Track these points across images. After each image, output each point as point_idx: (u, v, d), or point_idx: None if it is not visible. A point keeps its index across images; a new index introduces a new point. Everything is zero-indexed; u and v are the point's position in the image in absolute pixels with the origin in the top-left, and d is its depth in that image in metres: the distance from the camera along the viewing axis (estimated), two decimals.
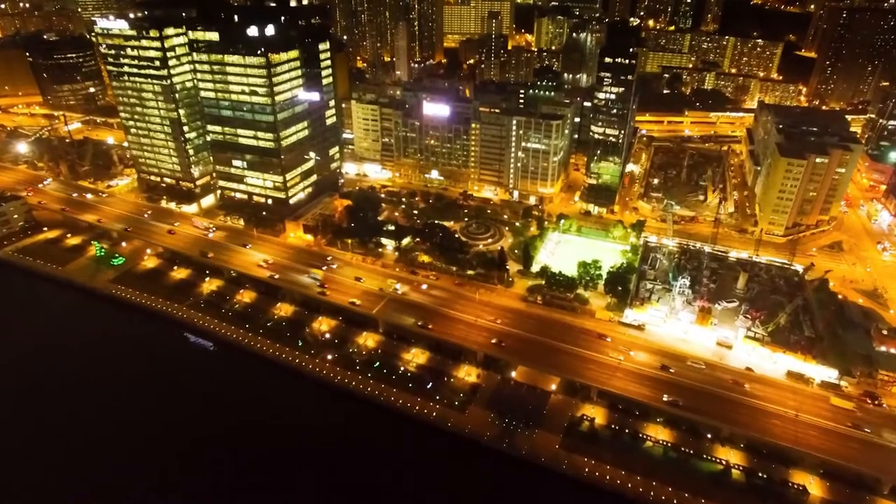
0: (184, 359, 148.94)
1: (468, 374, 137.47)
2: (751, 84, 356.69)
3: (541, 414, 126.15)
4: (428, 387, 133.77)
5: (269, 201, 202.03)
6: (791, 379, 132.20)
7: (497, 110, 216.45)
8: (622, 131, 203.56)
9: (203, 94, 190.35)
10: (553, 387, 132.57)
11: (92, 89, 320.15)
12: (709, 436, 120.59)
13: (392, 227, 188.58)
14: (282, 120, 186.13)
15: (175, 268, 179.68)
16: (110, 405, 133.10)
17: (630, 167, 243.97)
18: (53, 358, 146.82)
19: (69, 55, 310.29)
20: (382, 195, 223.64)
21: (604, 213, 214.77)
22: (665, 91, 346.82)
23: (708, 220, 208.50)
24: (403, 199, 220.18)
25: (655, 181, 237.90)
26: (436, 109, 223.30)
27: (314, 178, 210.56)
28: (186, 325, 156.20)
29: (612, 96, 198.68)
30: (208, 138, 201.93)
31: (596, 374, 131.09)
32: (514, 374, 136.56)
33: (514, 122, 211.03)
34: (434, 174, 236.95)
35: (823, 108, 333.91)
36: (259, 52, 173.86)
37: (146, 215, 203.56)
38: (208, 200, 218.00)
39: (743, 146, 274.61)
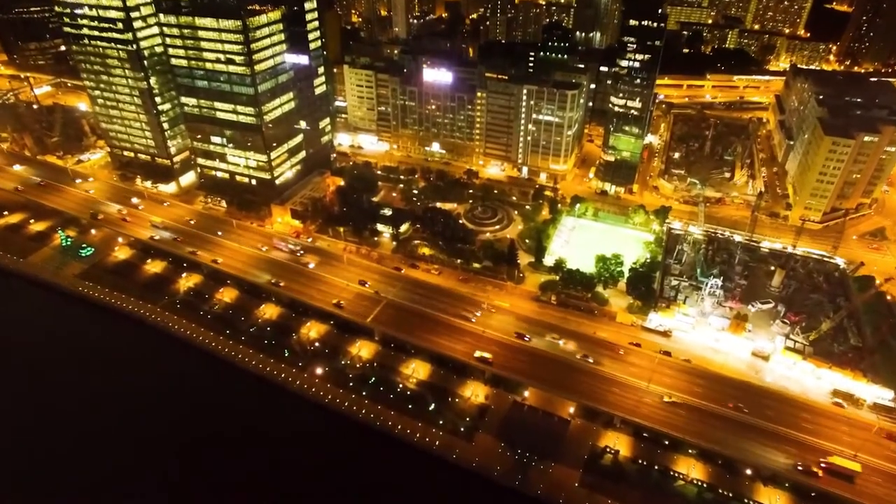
0: (154, 368, 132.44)
1: (475, 393, 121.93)
2: (777, 42, 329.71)
3: (557, 444, 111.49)
4: (430, 408, 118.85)
5: (253, 182, 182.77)
6: (838, 399, 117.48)
7: (505, 77, 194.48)
8: (645, 103, 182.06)
9: (174, 61, 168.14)
10: (571, 410, 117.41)
11: (62, 48, 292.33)
12: (748, 472, 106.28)
13: (389, 212, 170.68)
14: (263, 92, 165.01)
15: (149, 261, 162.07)
16: (68, 417, 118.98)
17: (648, 138, 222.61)
18: (7, 364, 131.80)
19: (33, 9, 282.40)
20: (379, 171, 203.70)
21: (621, 193, 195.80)
22: (685, 51, 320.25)
23: (736, 202, 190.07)
24: (402, 177, 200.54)
25: (676, 155, 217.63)
26: (437, 75, 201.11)
27: (303, 154, 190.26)
28: (160, 329, 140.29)
29: (637, 64, 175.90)
30: (183, 111, 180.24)
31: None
32: (526, 394, 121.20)
33: (525, 91, 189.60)
34: (435, 147, 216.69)
35: (856, 69, 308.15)
36: (235, 13, 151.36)
37: (219, 234, 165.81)
38: (188, 178, 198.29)
39: (770, 114, 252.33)
